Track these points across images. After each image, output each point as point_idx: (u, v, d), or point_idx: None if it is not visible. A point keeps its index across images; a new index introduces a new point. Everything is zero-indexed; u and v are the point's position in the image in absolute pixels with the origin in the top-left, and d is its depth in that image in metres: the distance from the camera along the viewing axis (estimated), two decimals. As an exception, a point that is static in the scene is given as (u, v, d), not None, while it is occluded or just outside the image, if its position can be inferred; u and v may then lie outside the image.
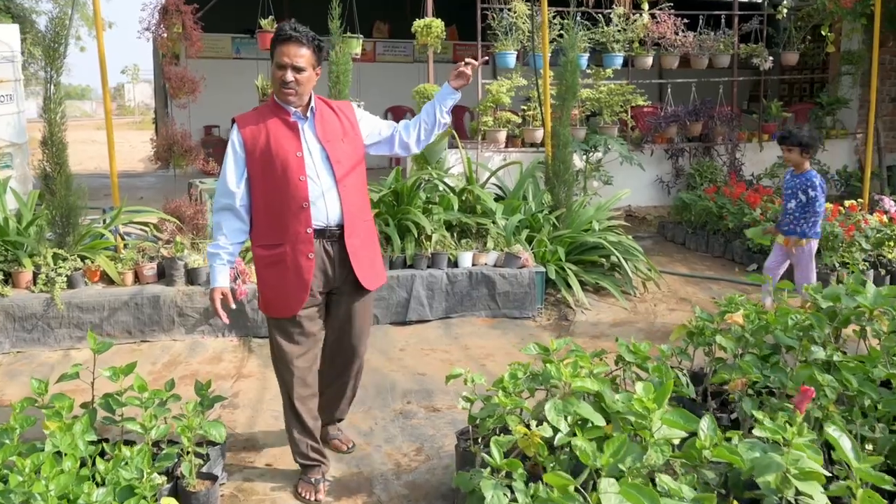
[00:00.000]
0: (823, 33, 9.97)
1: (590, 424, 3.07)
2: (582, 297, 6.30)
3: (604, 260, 6.78)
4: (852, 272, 5.17)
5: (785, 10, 9.63)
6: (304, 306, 3.48)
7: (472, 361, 5.34)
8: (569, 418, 3.08)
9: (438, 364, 5.25)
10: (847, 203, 8.24)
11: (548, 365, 3.38)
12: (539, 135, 8.83)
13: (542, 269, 6.19)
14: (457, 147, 8.34)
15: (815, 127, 10.29)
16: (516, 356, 5.45)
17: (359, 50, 6.81)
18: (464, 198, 6.57)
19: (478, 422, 3.50)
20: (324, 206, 3.39)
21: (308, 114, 3.45)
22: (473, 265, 6.12)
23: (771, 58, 9.78)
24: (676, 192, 9.67)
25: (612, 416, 3.06)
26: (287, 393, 3.60)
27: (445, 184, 6.70)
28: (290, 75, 3.29)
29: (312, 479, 3.63)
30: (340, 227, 3.45)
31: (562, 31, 8.78)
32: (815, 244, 5.80)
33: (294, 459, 3.72)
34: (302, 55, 3.30)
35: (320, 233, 3.42)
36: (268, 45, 4.50)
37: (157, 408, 3.56)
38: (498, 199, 7.10)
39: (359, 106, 6.93)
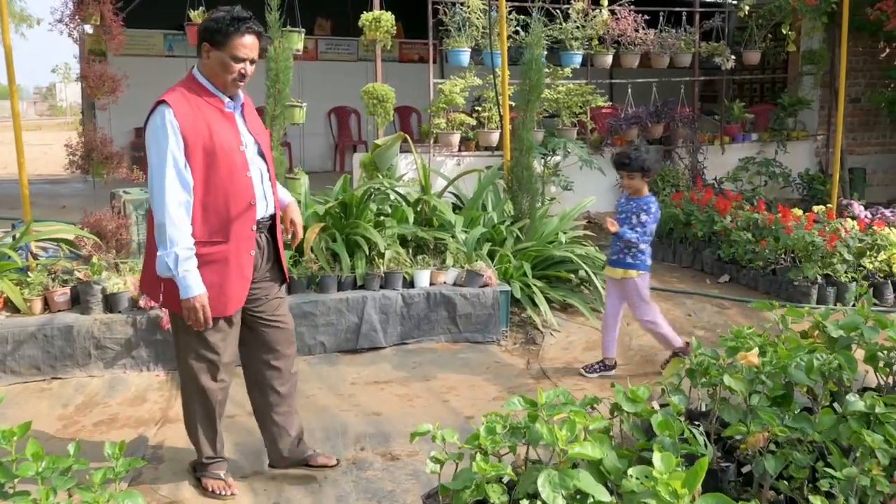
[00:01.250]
0: (784, 32, 9.56)
1: (592, 500, 2.48)
2: (550, 318, 5.70)
3: (571, 275, 6.19)
4: (861, 294, 4.67)
5: (747, 8, 9.18)
6: None
7: (433, 396, 4.69)
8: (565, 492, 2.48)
9: (395, 401, 4.60)
10: (817, 209, 7.81)
11: (538, 425, 2.76)
12: (495, 138, 8.23)
13: (506, 287, 5.58)
14: (409, 151, 7.69)
15: (777, 128, 9.88)
16: (482, 388, 4.83)
17: (301, 46, 6.11)
18: (419, 209, 5.92)
19: (451, 493, 2.87)
20: (263, 202, 3.34)
21: (237, 104, 3.32)
22: (431, 284, 5.47)
23: (733, 57, 9.33)
24: (637, 198, 9.14)
25: (623, 496, 2.46)
26: (204, 389, 3.46)
27: (399, 194, 6.04)
28: (249, 68, 3.20)
29: (221, 474, 3.58)
30: (272, 218, 3.43)
31: (518, 28, 8.20)
32: (645, 279, 5.07)
33: (199, 459, 3.62)
34: (257, 47, 3.21)
35: (258, 227, 3.35)
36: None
37: (59, 477, 2.84)
38: (455, 208, 6.47)
39: (302, 106, 6.26)
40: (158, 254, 3.12)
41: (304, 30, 6.19)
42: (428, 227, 5.82)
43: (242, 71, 3.16)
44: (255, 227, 3.29)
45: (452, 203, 6.59)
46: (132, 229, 6.00)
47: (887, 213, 8.23)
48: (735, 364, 3.47)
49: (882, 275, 6.46)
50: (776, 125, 9.91)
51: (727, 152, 9.62)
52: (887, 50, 10.57)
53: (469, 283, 5.49)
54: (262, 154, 3.34)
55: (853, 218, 7.85)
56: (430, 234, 5.61)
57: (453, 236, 5.70)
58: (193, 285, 3.12)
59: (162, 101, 3.12)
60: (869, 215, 8.21)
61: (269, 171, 3.38)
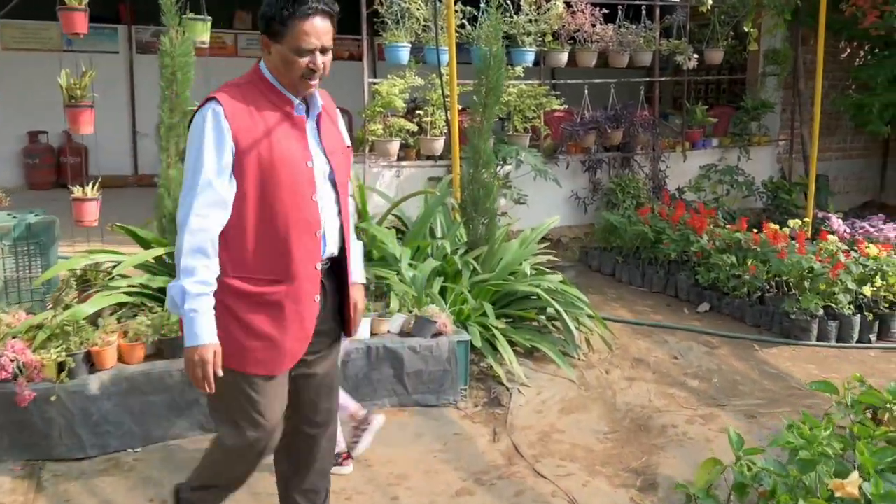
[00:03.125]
0: (747, 29, 8.67)
1: None
2: (517, 369, 4.62)
3: (539, 315, 5.11)
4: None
5: (709, 2, 8.24)
6: None
7: (377, 491, 3.55)
8: None
9: (368, 490, 3.45)
10: (793, 223, 6.91)
11: None
12: (439, 146, 7.11)
13: (464, 335, 4.47)
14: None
15: (739, 133, 9.00)
16: (440, 475, 3.70)
17: (206, 37, 4.89)
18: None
19: None
20: (333, 235, 2.61)
21: (312, 110, 2.57)
22: (372, 335, 4.32)
23: (696, 55, 8.39)
24: (594, 210, 8.15)
25: None
26: (236, 460, 2.67)
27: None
28: (320, 60, 2.45)
29: None
30: (338, 261, 2.67)
31: (463, 21, 7.10)
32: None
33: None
34: (330, 31, 2.47)
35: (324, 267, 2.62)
36: (74, 27, 4.01)
37: None
38: (398, 233, 5.33)
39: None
40: (169, 283, 2.45)
41: (209, 18, 4.96)
42: (367, 262, 4.67)
43: (312, 65, 2.43)
44: (320, 266, 2.57)
45: (394, 227, 5.46)
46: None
47: (866, 225, 7.39)
48: (805, 482, 2.44)
49: (886, 304, 5.56)
50: (739, 130, 9.02)
51: (689, 159, 8.69)
52: (848, 50, 9.81)
53: (419, 332, 4.36)
54: (333, 180, 2.58)
55: (832, 233, 6.99)
56: (369, 272, 4.45)
57: (398, 273, 4.55)
58: (201, 332, 2.36)
59: (211, 98, 2.42)
60: (848, 229, 7.36)
61: (340, 201, 2.61)
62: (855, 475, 2.21)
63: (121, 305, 4.21)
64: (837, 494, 2.18)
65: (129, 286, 4.22)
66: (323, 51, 2.43)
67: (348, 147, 2.68)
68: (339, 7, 2.47)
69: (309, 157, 2.50)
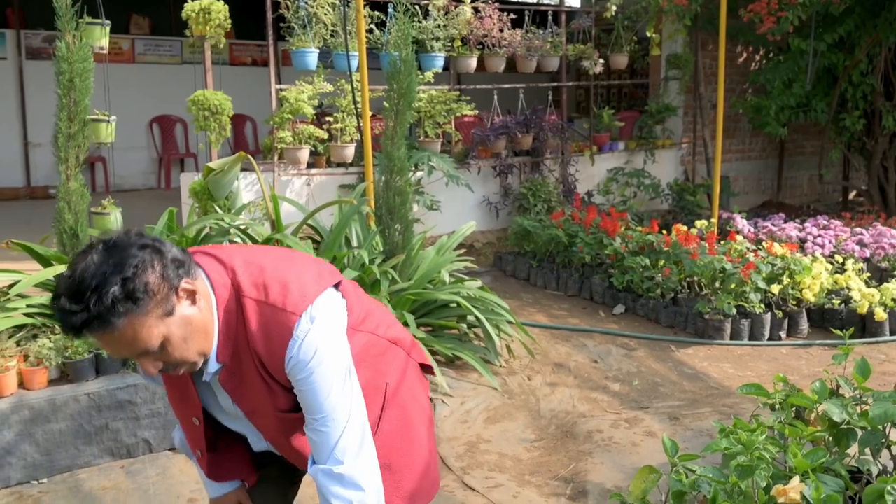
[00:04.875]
0: (649, 34, 8.85)
1: None
2: (440, 380, 4.53)
3: (460, 323, 5.05)
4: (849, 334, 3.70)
5: (614, 8, 8.37)
6: None
7: (304, 513, 3.41)
8: None
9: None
10: (700, 224, 7.07)
11: None
12: (350, 152, 6.99)
13: (386, 346, 4.36)
14: (249, 169, 6.32)
15: (644, 136, 9.17)
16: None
17: (105, 42, 4.64)
18: (270, 250, 4.59)
19: None
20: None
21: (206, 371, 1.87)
22: (291, 350, 4.18)
23: (602, 60, 8.50)
24: (506, 215, 8.16)
25: None
26: None
27: (243, 232, 4.67)
28: (151, 367, 1.73)
29: None
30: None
31: (371, 26, 7.00)
32: None
33: None
34: (131, 338, 1.65)
35: None
36: None
37: None
38: (313, 243, 5.18)
39: (110, 121, 4.79)
40: None
41: (108, 22, 4.71)
42: (283, 274, 4.53)
43: (146, 366, 1.72)
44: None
45: (309, 238, 5.30)
46: None
47: (769, 224, 7.62)
48: (743, 488, 2.43)
49: (794, 302, 5.72)
50: (644, 133, 9.19)
51: (596, 163, 8.80)
52: (745, 54, 10.14)
53: (339, 345, 4.23)
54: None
55: (738, 233, 7.18)
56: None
57: (316, 285, 4.41)
58: None
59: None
60: (752, 228, 7.58)
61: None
62: (796, 480, 2.20)
63: (20, 328, 3.94)
64: (780, 500, 2.17)
65: (29, 307, 3.95)
66: (146, 353, 1.69)
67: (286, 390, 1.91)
68: (106, 301, 1.58)
69: (197, 412, 2.01)
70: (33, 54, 10.09)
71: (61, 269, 4.15)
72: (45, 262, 4.30)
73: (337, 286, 1.94)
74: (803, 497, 2.21)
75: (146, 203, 8.54)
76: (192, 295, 1.72)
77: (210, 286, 1.79)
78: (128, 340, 1.64)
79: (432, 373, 2.66)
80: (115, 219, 4.54)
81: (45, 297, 4.08)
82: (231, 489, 2.18)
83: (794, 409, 3.12)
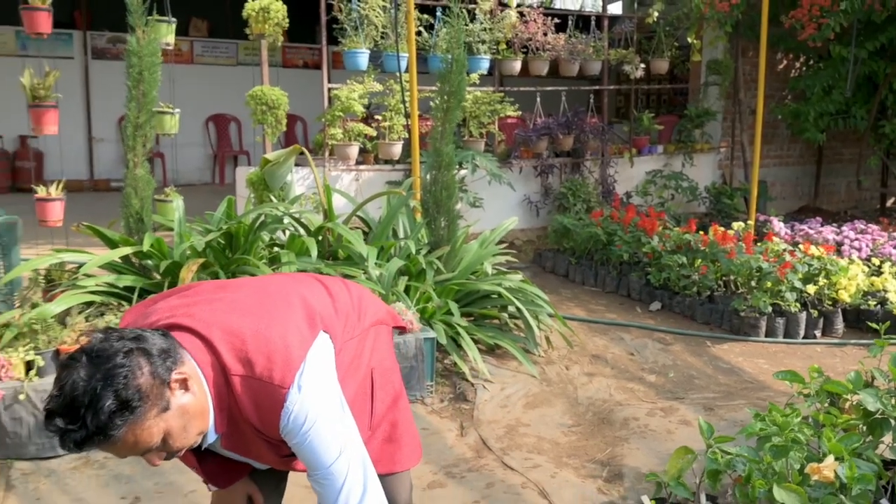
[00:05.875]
0: (690, 40, 8.84)
1: None
2: (481, 366, 4.60)
3: (501, 312, 5.11)
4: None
5: (655, 14, 8.38)
6: None
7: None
8: None
9: (301, 495, 3.38)
10: (736, 226, 7.05)
11: None
12: (397, 150, 7.07)
13: (430, 332, 4.44)
14: (302, 165, 6.45)
15: (683, 140, 9.14)
16: (421, 477, 3.66)
17: (171, 39, 4.79)
18: (321, 239, 4.69)
19: None
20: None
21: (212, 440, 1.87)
22: (341, 333, 4.27)
23: (642, 65, 8.51)
24: (546, 214, 8.20)
25: None
26: None
27: (296, 220, 4.79)
28: (156, 460, 1.73)
29: None
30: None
31: (420, 28, 7.09)
32: None
33: None
34: (132, 444, 1.64)
35: None
36: (37, 27, 4.07)
37: None
38: (362, 234, 5.28)
39: (174, 113, 4.93)
40: None
41: (174, 20, 4.86)
42: (334, 262, 4.62)
43: (151, 460, 1.73)
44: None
45: (359, 229, 5.40)
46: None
47: (806, 227, 7.57)
48: (777, 469, 2.46)
49: (829, 302, 5.68)
50: (683, 137, 9.16)
51: (635, 165, 8.80)
52: (785, 61, 10.05)
53: (386, 329, 4.31)
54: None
55: (774, 234, 7.14)
56: (337, 270, 4.39)
57: (365, 272, 4.51)
58: None
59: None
60: (789, 231, 7.53)
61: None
62: (831, 459, 2.24)
63: (88, 304, 4.09)
64: (814, 478, 2.21)
65: (97, 285, 4.10)
66: (148, 451, 1.68)
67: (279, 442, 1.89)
68: (103, 423, 1.57)
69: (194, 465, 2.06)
70: (98, 54, 10.36)
71: (127, 250, 4.31)
72: (112, 244, 4.45)
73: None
74: (837, 476, 2.24)
75: (202, 196, 8.71)
76: (184, 383, 1.70)
77: (196, 367, 1.75)
78: (129, 445, 1.62)
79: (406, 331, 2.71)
80: (177, 206, 4.68)
81: (111, 277, 4.23)
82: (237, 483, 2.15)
83: (828, 400, 3.14)
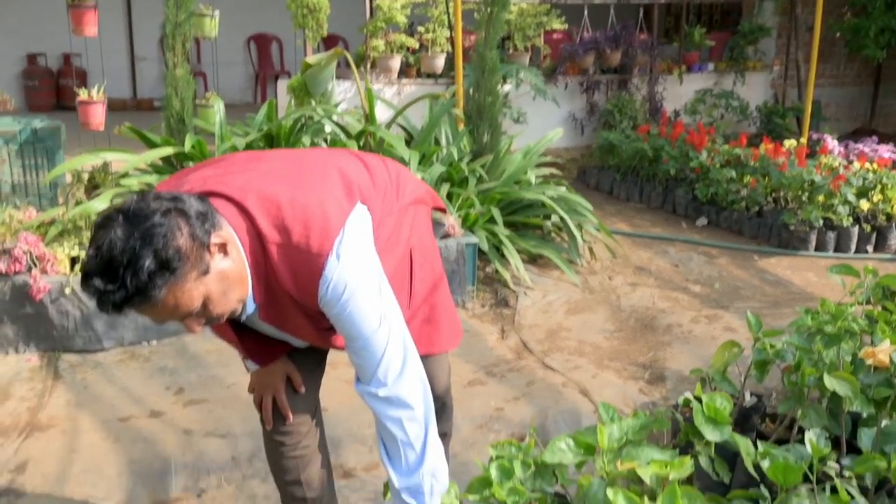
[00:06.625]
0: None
1: None
2: (522, 273, 4.55)
3: (544, 221, 5.04)
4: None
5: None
6: None
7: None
8: None
9: (342, 390, 3.37)
10: (788, 143, 6.82)
11: (610, 492, 1.61)
12: (440, 63, 6.97)
13: (472, 238, 4.39)
14: (344, 78, 6.37)
15: (735, 58, 8.83)
16: (453, 367, 3.65)
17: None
18: (363, 143, 4.63)
19: None
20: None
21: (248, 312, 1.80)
22: (382, 236, 4.25)
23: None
24: (591, 131, 8.04)
25: None
26: None
27: (337, 124, 4.73)
28: (195, 326, 1.67)
29: None
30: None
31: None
32: None
33: None
34: (176, 301, 1.58)
35: None
36: None
37: None
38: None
39: (213, 16, 4.86)
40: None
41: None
42: (375, 165, 4.57)
43: (190, 326, 1.67)
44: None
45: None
46: (2, 169, 4.63)
47: (861, 146, 7.30)
48: (825, 358, 2.37)
49: (883, 217, 5.50)
50: (735, 54, 8.86)
51: (684, 83, 8.55)
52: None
53: (428, 233, 4.28)
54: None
55: (829, 153, 6.91)
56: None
57: (407, 176, 4.44)
58: None
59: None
60: (843, 149, 7.28)
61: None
62: (887, 343, 2.16)
63: (131, 203, 4.10)
64: (868, 362, 2.13)
65: (139, 184, 4.11)
66: (189, 316, 1.64)
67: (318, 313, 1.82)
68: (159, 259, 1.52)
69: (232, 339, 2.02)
70: (140, -28, 10.27)
71: (168, 150, 4.30)
72: (153, 145, 4.45)
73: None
74: (892, 362, 2.16)
75: (244, 112, 8.69)
76: (223, 248, 1.63)
77: (233, 233, 1.67)
78: (170, 309, 1.58)
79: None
80: (217, 109, 4.64)
81: (153, 177, 4.23)
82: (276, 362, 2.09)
83: (883, 297, 3.04)
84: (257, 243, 1.70)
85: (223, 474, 2.81)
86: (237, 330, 1.99)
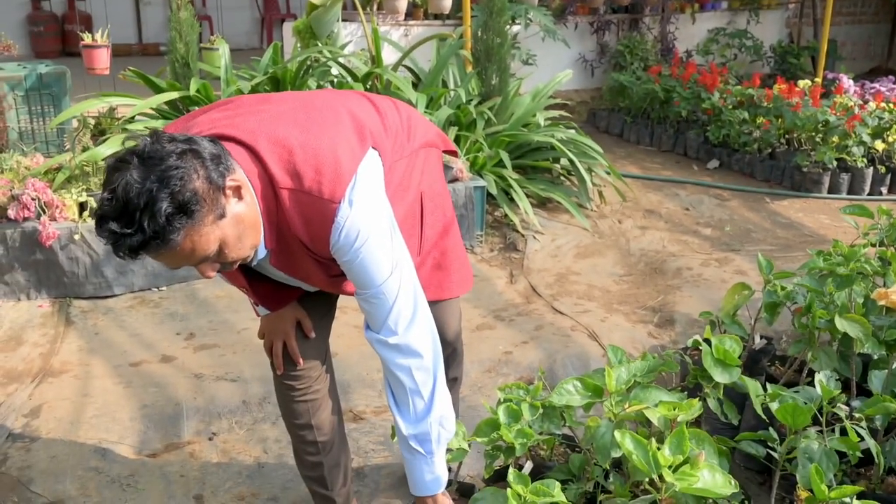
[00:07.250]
0: None
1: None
2: (531, 217, 4.52)
3: (553, 164, 4.99)
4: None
5: None
6: None
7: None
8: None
9: (351, 335, 3.39)
10: (802, 83, 6.70)
11: (618, 435, 1.61)
12: (447, 3, 6.81)
13: (480, 181, 4.36)
14: (349, 21, 6.26)
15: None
16: (470, 319, 3.65)
17: None
18: (370, 86, 4.57)
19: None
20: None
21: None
22: (390, 180, 4.21)
23: None
24: (601, 74, 7.92)
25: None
26: None
27: (343, 66, 4.66)
28: (209, 272, 1.64)
29: None
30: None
31: None
32: None
33: None
34: (193, 245, 1.55)
35: None
36: None
37: None
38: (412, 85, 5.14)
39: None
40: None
41: None
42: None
43: (204, 271, 1.64)
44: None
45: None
46: (9, 115, 4.59)
47: (877, 86, 7.18)
48: (837, 300, 2.35)
49: (898, 158, 5.43)
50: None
51: (697, 22, 8.38)
52: None
53: (436, 177, 4.24)
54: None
55: (844, 92, 6.79)
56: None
57: (414, 119, 4.39)
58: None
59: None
60: (859, 89, 7.15)
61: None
62: (898, 283, 2.14)
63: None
64: (880, 303, 2.11)
65: (145, 127, 4.07)
66: (206, 260, 1.61)
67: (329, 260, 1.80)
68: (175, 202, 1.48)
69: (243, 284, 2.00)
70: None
71: (173, 95, 4.25)
72: (159, 90, 4.40)
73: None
74: (903, 302, 2.14)
75: (250, 56, 8.59)
76: (237, 191, 1.59)
77: (245, 177, 1.64)
78: (186, 253, 1.54)
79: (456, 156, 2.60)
80: (223, 52, 4.58)
81: (159, 122, 4.20)
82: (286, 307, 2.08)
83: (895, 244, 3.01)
84: (269, 188, 1.66)
85: (234, 418, 2.83)
86: (248, 276, 1.99)
